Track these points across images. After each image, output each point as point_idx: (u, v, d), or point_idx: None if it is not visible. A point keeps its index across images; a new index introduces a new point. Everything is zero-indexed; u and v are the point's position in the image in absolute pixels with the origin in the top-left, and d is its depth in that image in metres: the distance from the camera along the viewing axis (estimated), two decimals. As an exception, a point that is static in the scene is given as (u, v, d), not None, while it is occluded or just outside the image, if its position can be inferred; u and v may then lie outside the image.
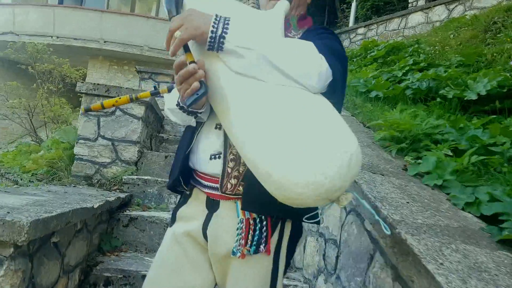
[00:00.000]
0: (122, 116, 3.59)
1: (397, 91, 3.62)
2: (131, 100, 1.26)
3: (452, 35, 5.60)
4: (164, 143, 4.46)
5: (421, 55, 4.77)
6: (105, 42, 12.23)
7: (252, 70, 0.97)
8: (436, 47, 5.10)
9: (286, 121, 0.92)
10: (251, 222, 1.08)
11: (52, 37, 12.32)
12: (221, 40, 0.95)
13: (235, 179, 1.09)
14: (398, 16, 8.22)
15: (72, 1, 14.26)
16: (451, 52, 4.70)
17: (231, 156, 1.09)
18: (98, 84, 3.52)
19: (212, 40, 0.96)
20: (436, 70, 3.68)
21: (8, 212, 1.38)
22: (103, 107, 1.24)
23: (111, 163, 3.56)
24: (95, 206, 2.02)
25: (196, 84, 0.96)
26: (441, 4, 7.38)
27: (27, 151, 5.64)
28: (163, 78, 6.30)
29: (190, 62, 0.98)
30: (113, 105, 1.26)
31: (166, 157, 3.77)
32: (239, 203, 1.09)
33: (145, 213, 2.88)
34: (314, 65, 0.96)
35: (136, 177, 3.36)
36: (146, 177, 3.38)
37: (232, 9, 1.12)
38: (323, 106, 0.96)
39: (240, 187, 1.08)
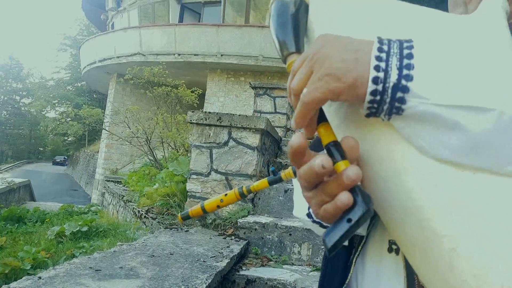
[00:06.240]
0: (236, 147, 3.15)
1: None
2: (242, 196, 0.80)
3: None
4: (282, 170, 3.94)
5: None
6: (222, 55, 12.35)
7: (484, 155, 0.37)
8: None
9: None
10: None
11: (174, 55, 12.89)
12: (399, 95, 0.37)
13: None
14: None
15: (191, 18, 14.86)
16: None
17: None
18: (209, 112, 3.13)
19: (379, 98, 0.38)
20: None
21: None
22: (204, 211, 0.81)
23: (226, 201, 3.15)
24: (200, 294, 1.53)
25: (344, 198, 0.37)
26: None
27: (148, 173, 5.70)
28: (279, 92, 5.76)
29: (326, 146, 0.41)
30: (218, 207, 0.81)
31: (286, 191, 3.24)
32: None
33: (264, 274, 2.35)
34: None
35: (253, 220, 2.88)
36: (264, 221, 2.87)
37: (403, 20, 0.46)
38: None
39: None
